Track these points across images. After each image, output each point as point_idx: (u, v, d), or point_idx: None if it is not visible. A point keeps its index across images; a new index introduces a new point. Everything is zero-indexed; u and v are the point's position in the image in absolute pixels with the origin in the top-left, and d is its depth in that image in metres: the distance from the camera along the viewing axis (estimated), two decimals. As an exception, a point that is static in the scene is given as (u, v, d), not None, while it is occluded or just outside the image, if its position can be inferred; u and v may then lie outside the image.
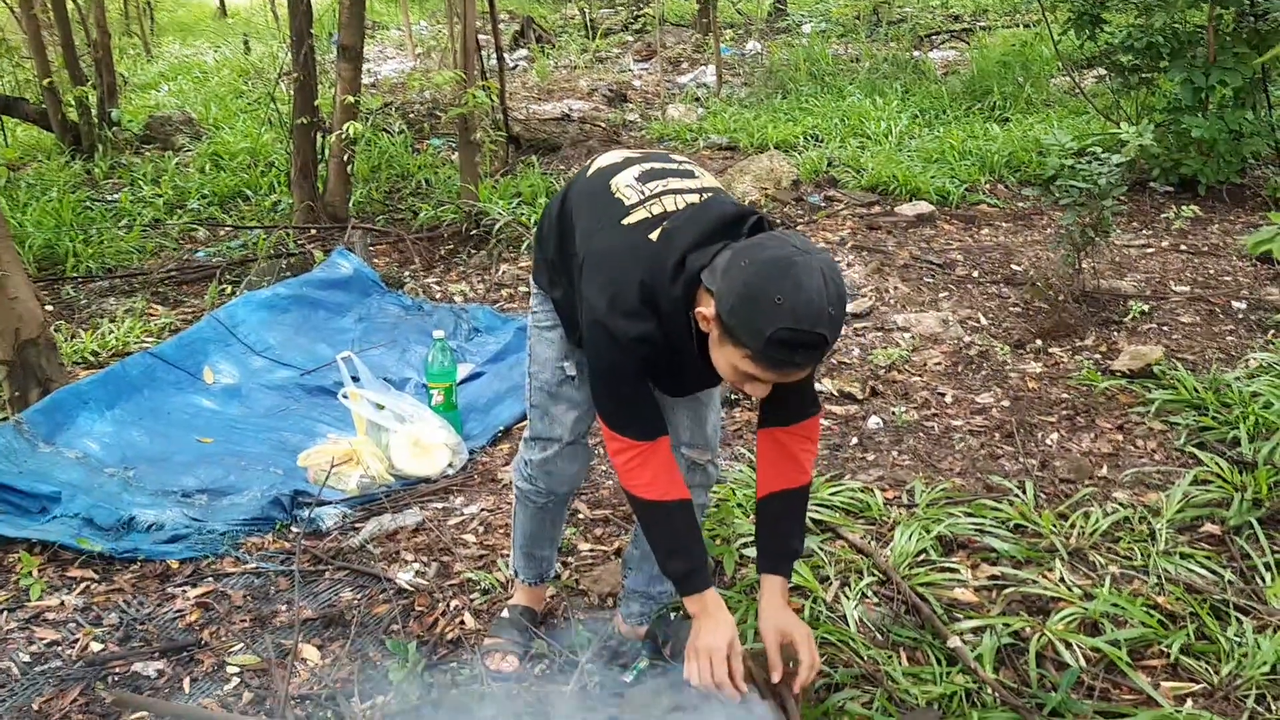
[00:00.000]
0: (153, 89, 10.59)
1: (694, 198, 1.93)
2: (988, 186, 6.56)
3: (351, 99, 5.63)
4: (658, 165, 2.04)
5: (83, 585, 2.91)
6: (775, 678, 2.00)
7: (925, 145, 7.15)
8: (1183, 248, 5.38)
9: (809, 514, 3.01)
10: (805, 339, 1.61)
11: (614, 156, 2.14)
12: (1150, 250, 5.36)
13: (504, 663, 2.47)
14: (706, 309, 1.74)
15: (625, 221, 1.92)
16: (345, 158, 5.90)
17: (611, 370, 1.94)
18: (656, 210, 1.91)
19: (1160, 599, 2.59)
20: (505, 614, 2.60)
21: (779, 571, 2.10)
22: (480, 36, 6.41)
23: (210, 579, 2.95)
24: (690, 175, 2.02)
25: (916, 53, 10.07)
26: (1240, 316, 4.42)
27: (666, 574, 2.05)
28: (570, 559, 3.00)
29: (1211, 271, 5.01)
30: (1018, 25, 11.15)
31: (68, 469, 3.34)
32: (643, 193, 1.96)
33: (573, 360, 2.24)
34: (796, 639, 2.02)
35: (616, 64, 11.88)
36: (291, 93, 6.09)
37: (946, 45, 11.19)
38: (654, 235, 1.87)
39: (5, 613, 2.78)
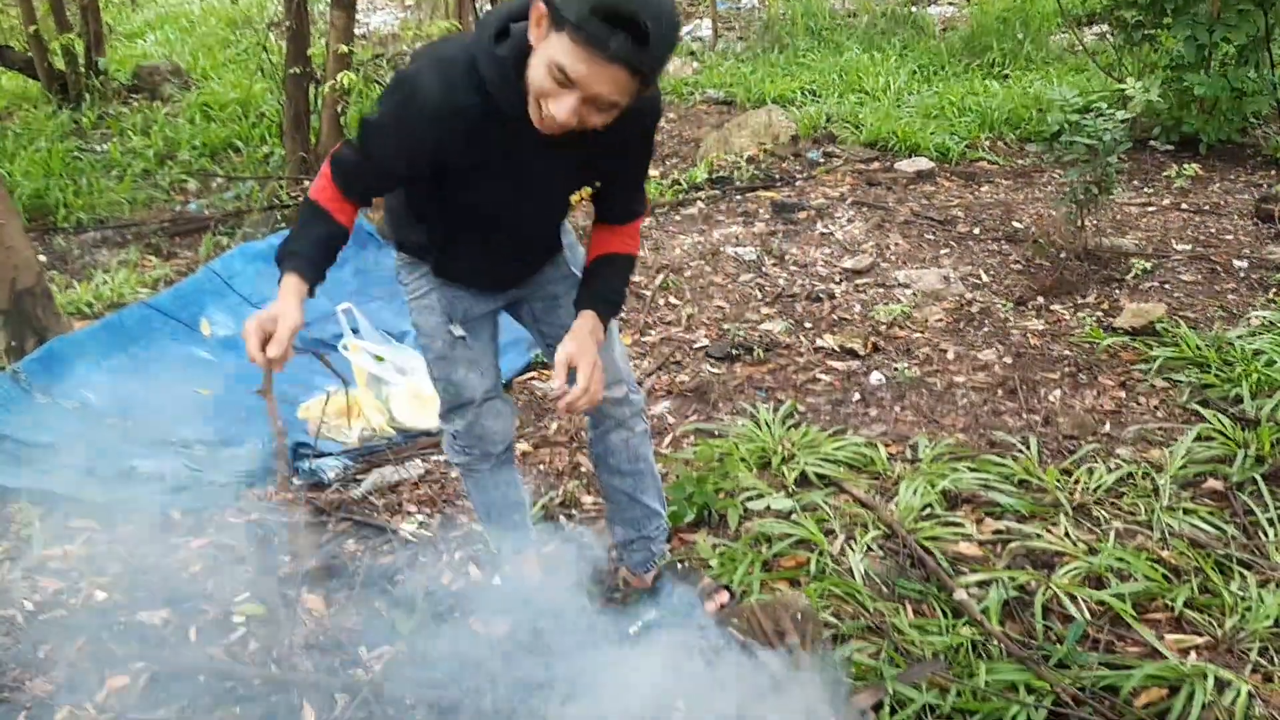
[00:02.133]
0: (139, 38, 10.41)
1: None
2: (988, 143, 6.52)
3: (345, 48, 5.54)
4: None
5: (85, 535, 2.90)
6: (556, 389, 1.93)
7: (924, 101, 7.09)
8: (1184, 206, 5.36)
9: (816, 468, 3.03)
10: (625, 14, 1.55)
11: None
12: (1151, 209, 5.34)
13: (494, 626, 2.42)
14: (538, 6, 1.64)
15: None
16: (338, 108, 5.81)
17: (382, 127, 1.85)
18: None
19: (1164, 554, 2.60)
20: (497, 581, 2.58)
21: (594, 308, 2.04)
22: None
23: (212, 529, 2.94)
24: None
25: (915, 8, 9.96)
26: (1242, 275, 4.41)
27: (277, 259, 1.94)
28: (573, 511, 3.00)
29: (1213, 230, 4.99)
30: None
31: (66, 419, 3.32)
32: None
33: (456, 320, 2.18)
34: (581, 362, 1.93)
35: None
36: (282, 43, 5.99)
37: (945, 1, 11.07)
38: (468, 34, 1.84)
39: (8, 561, 2.77)
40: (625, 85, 1.62)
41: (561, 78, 1.62)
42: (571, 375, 1.93)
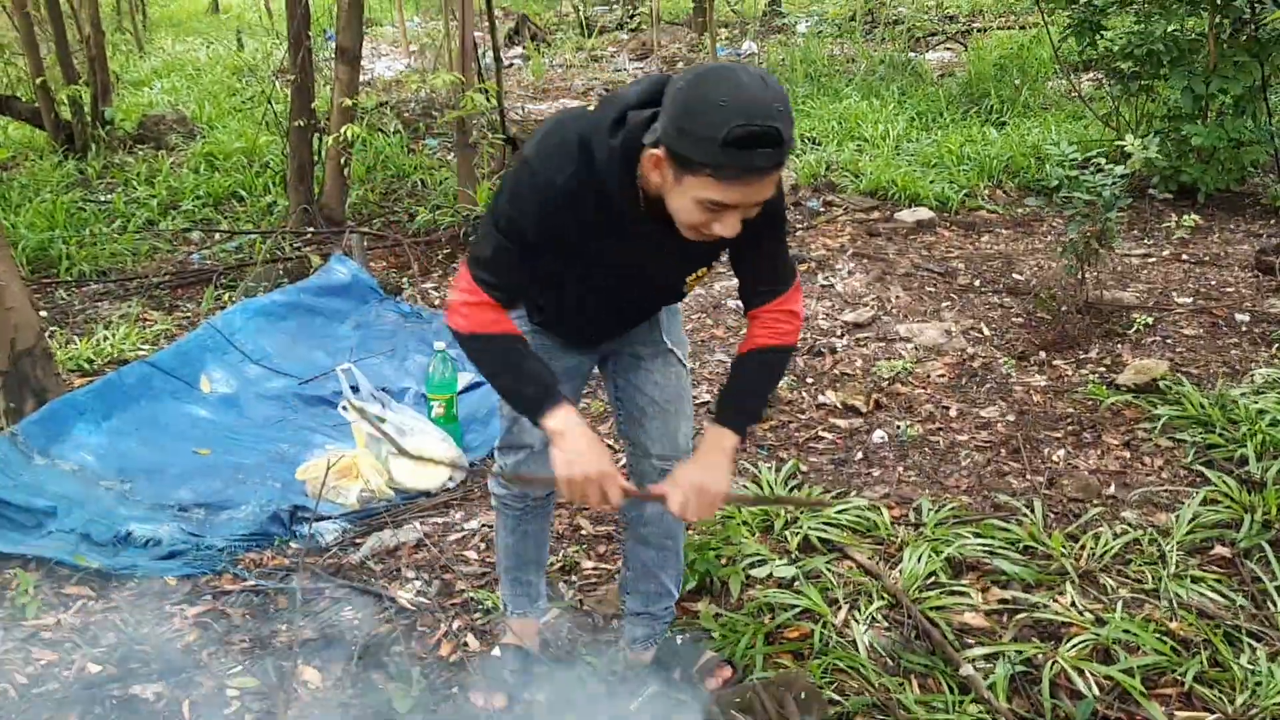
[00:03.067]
0: (145, 86, 10.51)
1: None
2: (987, 192, 6.54)
3: (349, 101, 5.57)
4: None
5: (79, 603, 2.87)
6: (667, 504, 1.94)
7: (923, 149, 7.12)
8: (1184, 257, 5.36)
9: (819, 532, 3.01)
10: (760, 132, 1.55)
11: None
12: (1152, 260, 5.35)
13: (494, 699, 2.40)
14: (656, 151, 1.67)
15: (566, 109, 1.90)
16: (342, 160, 5.84)
17: (510, 220, 1.84)
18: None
19: (1173, 624, 2.56)
20: (496, 652, 2.54)
21: (729, 423, 2.01)
22: (475, 34, 6.35)
23: (209, 597, 2.91)
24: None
25: (913, 54, 10.04)
26: (1244, 329, 4.40)
27: (517, 408, 1.97)
28: (573, 577, 2.97)
29: (1213, 282, 4.99)
30: (1013, 26, 11.13)
31: (63, 482, 3.30)
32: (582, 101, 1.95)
33: None
34: (697, 500, 1.91)
35: (612, 63, 11.83)
36: (287, 93, 6.03)
37: (942, 46, 11.17)
38: (591, 106, 1.84)
39: (1, 631, 2.73)
40: (776, 180, 1.67)
41: (716, 208, 1.65)
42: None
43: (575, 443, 1.88)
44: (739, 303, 4.91)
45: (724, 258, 2.06)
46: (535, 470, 2.26)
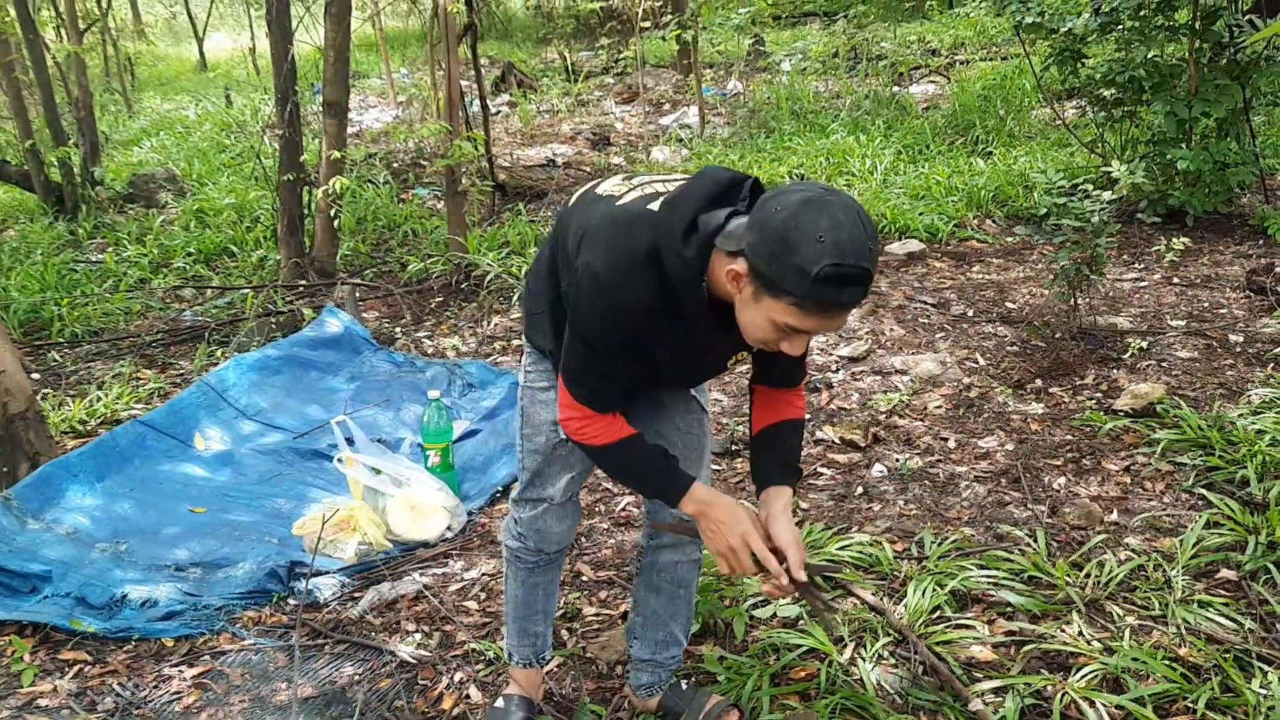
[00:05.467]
0: (135, 145, 10.57)
1: (684, 180, 1.89)
2: (976, 222, 6.57)
3: (337, 154, 5.60)
4: (639, 175, 2.03)
5: (76, 668, 2.83)
6: (801, 576, 1.96)
7: (911, 181, 7.16)
8: (1175, 280, 5.38)
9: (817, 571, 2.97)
10: (852, 274, 1.57)
11: (590, 181, 2.13)
12: (1143, 284, 5.36)
13: None
14: (736, 265, 1.67)
15: (621, 203, 1.88)
16: (332, 212, 5.86)
17: (595, 340, 1.85)
18: (650, 192, 1.87)
19: (1182, 651, 2.54)
20: (499, 704, 2.51)
21: (783, 482, 2.05)
22: (462, 83, 6.40)
23: (207, 657, 2.88)
24: (672, 173, 2.01)
25: (897, 88, 10.13)
26: (1238, 350, 4.40)
27: (651, 497, 2.03)
28: (575, 624, 2.93)
29: (1206, 304, 5.00)
30: (995, 58, 11.25)
31: (58, 545, 3.26)
32: (632, 185, 1.93)
33: None
34: (792, 551, 1.96)
35: (599, 107, 11.92)
36: (276, 148, 6.06)
37: (926, 80, 11.27)
38: (654, 205, 1.82)
39: (-4, 701, 2.70)
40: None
41: (790, 331, 1.68)
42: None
43: (716, 514, 1.94)
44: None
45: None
46: (551, 523, 2.28)
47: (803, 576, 1.94)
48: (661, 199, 1.83)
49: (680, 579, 2.36)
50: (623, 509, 3.56)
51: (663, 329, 1.85)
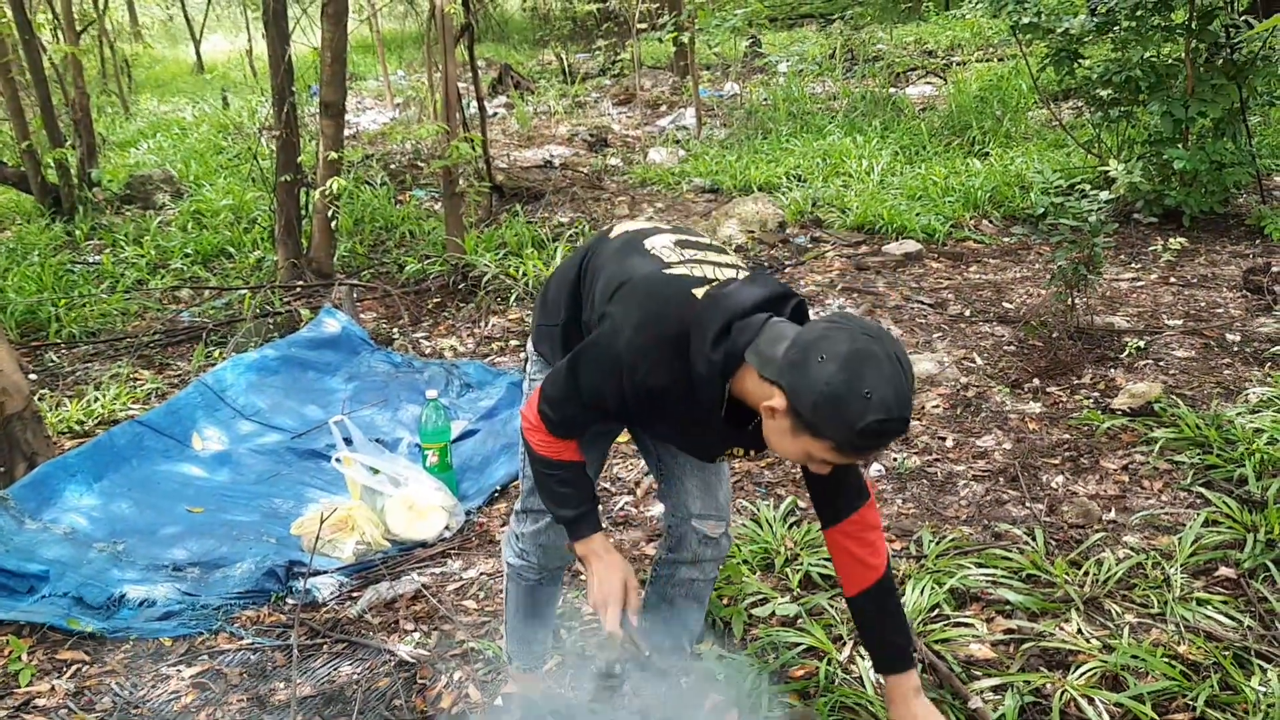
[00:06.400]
0: (132, 146, 10.55)
1: (733, 272, 1.89)
2: (973, 222, 6.58)
3: (334, 155, 5.60)
4: (690, 238, 2.00)
5: (74, 668, 2.82)
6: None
7: (908, 182, 7.17)
8: (1172, 280, 5.39)
9: (819, 568, 2.98)
10: (894, 427, 1.61)
11: (640, 223, 2.11)
12: (1140, 284, 5.37)
13: None
14: (774, 402, 1.66)
15: (668, 271, 1.87)
16: (329, 213, 5.86)
17: (589, 391, 1.87)
18: (699, 274, 1.86)
19: (1181, 648, 2.54)
20: (498, 702, 2.50)
21: (896, 670, 2.06)
22: (459, 84, 6.40)
23: (205, 656, 2.87)
24: (724, 252, 1.99)
25: (893, 89, 10.14)
26: (1235, 349, 4.41)
27: (559, 522, 2.06)
28: (575, 624, 2.93)
29: (1203, 304, 5.01)
30: (991, 59, 11.26)
31: (55, 545, 3.26)
32: (682, 255, 1.91)
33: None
34: None
35: (595, 109, 11.93)
36: (273, 149, 6.06)
37: (922, 81, 11.28)
38: (698, 292, 1.81)
39: (-7, 701, 2.69)
40: None
41: (824, 464, 1.72)
42: None
43: (600, 567, 2.01)
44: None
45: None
46: (554, 538, 2.26)
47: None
48: (706, 289, 1.81)
49: (696, 594, 2.38)
50: (620, 509, 3.56)
51: (670, 407, 1.86)
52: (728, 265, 1.91)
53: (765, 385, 1.69)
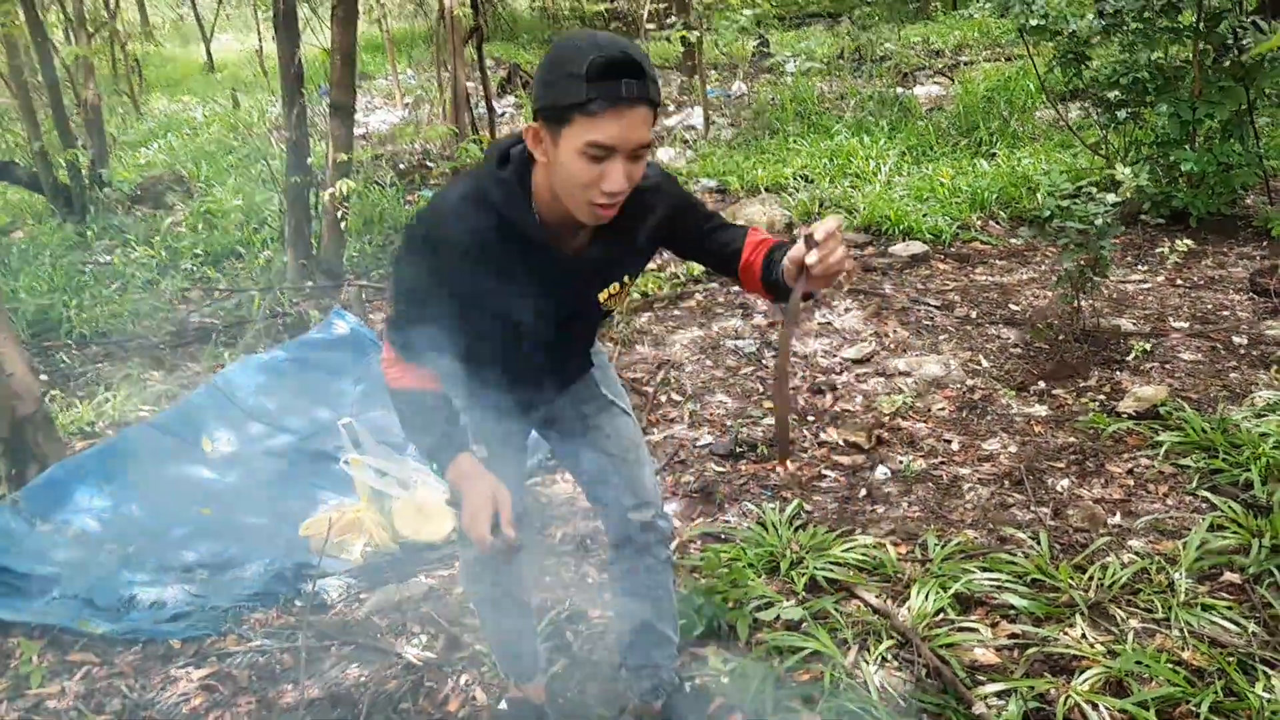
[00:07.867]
0: (143, 147, 10.60)
1: None
2: (980, 224, 6.57)
3: (344, 156, 5.63)
4: None
5: (84, 670, 2.85)
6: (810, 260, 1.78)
7: (915, 183, 7.16)
8: (1179, 282, 5.38)
9: (825, 572, 2.99)
10: (621, 60, 1.60)
11: None
12: (1147, 286, 5.36)
13: None
14: (531, 125, 1.71)
15: None
16: (339, 214, 5.89)
17: (413, 292, 1.89)
18: None
19: (1185, 654, 2.55)
20: (503, 707, 2.51)
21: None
22: (467, 84, 6.42)
23: (214, 658, 2.90)
24: None
25: (901, 89, 10.13)
26: (1242, 352, 4.41)
27: (426, 454, 1.99)
28: (579, 626, 2.95)
29: (1209, 306, 5.00)
30: (999, 60, 11.24)
31: (66, 547, 3.29)
32: None
33: (481, 443, 2.12)
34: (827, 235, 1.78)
35: (604, 108, 11.90)
36: (283, 150, 6.09)
37: (930, 81, 11.26)
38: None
39: (5, 702, 2.72)
40: (648, 120, 1.67)
41: (598, 151, 1.64)
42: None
43: (469, 486, 1.89)
44: (737, 343, 4.91)
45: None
46: (489, 560, 2.18)
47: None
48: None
49: (654, 580, 2.35)
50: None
51: (509, 276, 1.85)
52: None
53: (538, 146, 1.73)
